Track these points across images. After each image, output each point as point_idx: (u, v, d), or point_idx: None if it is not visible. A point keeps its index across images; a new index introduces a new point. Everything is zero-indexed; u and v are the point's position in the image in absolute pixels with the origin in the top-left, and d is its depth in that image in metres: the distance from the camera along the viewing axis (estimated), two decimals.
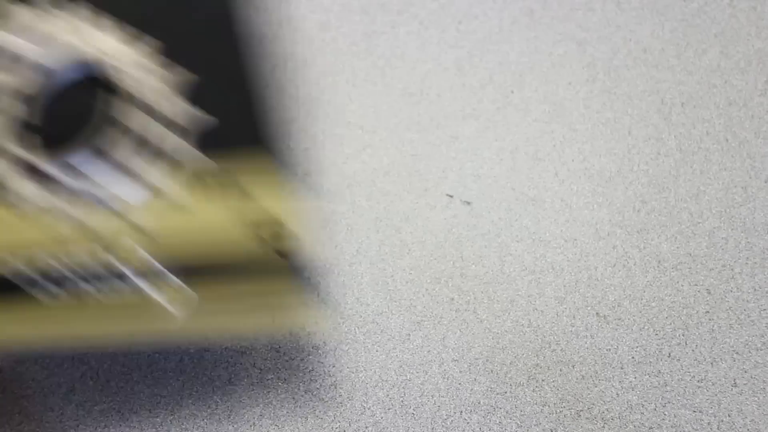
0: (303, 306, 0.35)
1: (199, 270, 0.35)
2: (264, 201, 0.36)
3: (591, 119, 0.44)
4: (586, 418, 0.39)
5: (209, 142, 0.36)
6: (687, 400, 0.39)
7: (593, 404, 0.39)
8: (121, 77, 0.36)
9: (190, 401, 0.38)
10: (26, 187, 0.35)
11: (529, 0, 0.46)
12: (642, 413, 0.39)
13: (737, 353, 0.40)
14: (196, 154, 0.36)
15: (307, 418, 0.38)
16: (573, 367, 0.40)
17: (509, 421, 0.38)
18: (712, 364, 0.40)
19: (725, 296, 0.41)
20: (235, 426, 0.38)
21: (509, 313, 0.40)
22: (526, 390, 0.39)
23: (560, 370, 0.39)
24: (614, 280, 0.41)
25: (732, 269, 0.41)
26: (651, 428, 0.39)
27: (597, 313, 0.41)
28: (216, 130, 0.36)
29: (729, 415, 0.39)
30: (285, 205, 0.36)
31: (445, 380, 0.39)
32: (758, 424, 0.39)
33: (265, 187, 0.36)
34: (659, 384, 0.39)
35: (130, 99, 0.36)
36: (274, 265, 0.35)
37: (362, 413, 0.38)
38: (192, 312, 0.34)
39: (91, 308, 0.34)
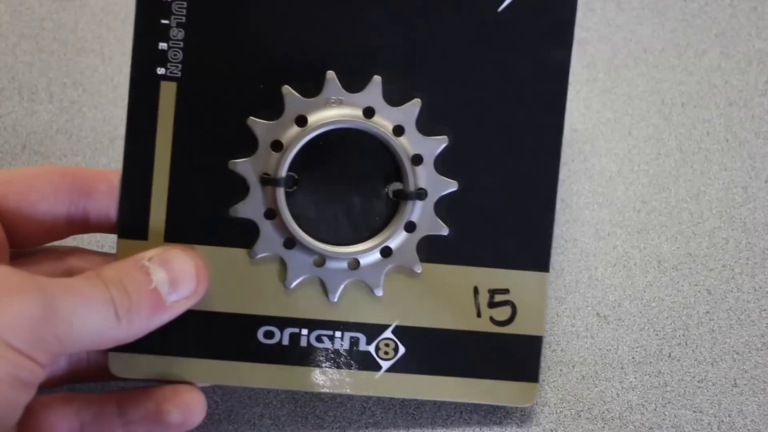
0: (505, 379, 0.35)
1: (411, 329, 0.35)
2: (495, 265, 0.35)
3: (591, 119, 0.44)
4: (587, 418, 0.39)
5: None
6: (687, 400, 0.39)
7: (593, 404, 0.39)
8: (385, 142, 0.34)
9: None
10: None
11: None
12: (642, 413, 0.39)
13: (737, 353, 0.40)
14: (434, 217, 0.35)
15: (307, 418, 0.38)
16: (573, 367, 0.40)
17: (509, 420, 0.38)
18: (712, 364, 0.40)
19: (725, 296, 0.41)
20: (235, 426, 0.38)
21: None
22: None
23: (560, 371, 0.39)
24: (614, 280, 0.41)
25: (732, 269, 0.41)
26: (651, 428, 0.39)
27: (597, 314, 0.41)
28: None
29: (729, 416, 0.39)
30: (516, 273, 0.35)
31: None
32: (758, 424, 0.39)
33: (492, 254, 0.35)
34: (659, 384, 0.39)
35: (397, 159, 0.34)
36: (489, 332, 0.35)
37: (362, 413, 0.38)
38: (399, 369, 0.35)
39: (304, 357, 0.35)
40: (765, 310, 0.41)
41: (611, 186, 0.43)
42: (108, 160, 0.42)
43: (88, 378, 0.35)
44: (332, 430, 0.38)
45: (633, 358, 0.40)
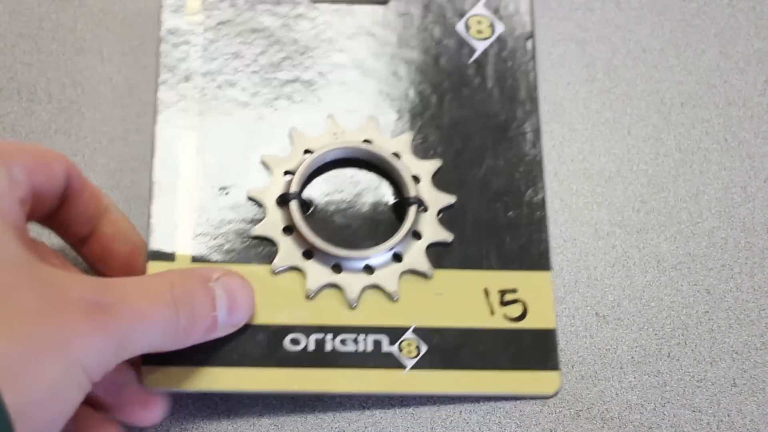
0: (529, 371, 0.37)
1: (430, 329, 0.37)
2: (500, 267, 0.38)
3: (590, 119, 0.44)
4: (586, 418, 0.39)
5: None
6: (686, 399, 0.39)
7: (593, 404, 0.39)
8: (385, 161, 0.39)
9: (189, 401, 0.38)
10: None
11: None
12: (641, 413, 0.39)
13: (737, 353, 0.40)
14: (438, 226, 0.38)
15: (306, 417, 0.38)
16: (572, 367, 0.40)
17: (508, 421, 0.38)
18: (711, 363, 0.40)
19: (725, 296, 0.41)
20: (234, 426, 0.38)
21: None
22: None
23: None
24: (613, 279, 0.41)
25: (731, 269, 0.41)
26: (650, 428, 0.39)
27: (596, 313, 0.41)
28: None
29: (728, 415, 0.39)
30: (521, 274, 0.38)
31: None
32: (758, 423, 0.39)
33: (496, 258, 0.39)
34: (658, 384, 0.39)
35: (399, 183, 0.39)
36: (505, 329, 0.37)
37: (362, 413, 0.38)
38: (423, 365, 0.36)
39: (331, 362, 0.36)
40: (764, 309, 0.41)
41: (610, 186, 0.43)
42: (107, 160, 0.42)
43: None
44: (332, 431, 0.38)
45: (632, 357, 0.40)
